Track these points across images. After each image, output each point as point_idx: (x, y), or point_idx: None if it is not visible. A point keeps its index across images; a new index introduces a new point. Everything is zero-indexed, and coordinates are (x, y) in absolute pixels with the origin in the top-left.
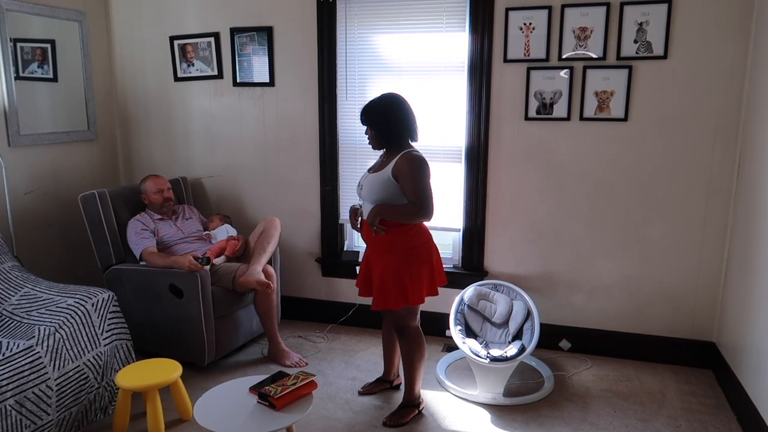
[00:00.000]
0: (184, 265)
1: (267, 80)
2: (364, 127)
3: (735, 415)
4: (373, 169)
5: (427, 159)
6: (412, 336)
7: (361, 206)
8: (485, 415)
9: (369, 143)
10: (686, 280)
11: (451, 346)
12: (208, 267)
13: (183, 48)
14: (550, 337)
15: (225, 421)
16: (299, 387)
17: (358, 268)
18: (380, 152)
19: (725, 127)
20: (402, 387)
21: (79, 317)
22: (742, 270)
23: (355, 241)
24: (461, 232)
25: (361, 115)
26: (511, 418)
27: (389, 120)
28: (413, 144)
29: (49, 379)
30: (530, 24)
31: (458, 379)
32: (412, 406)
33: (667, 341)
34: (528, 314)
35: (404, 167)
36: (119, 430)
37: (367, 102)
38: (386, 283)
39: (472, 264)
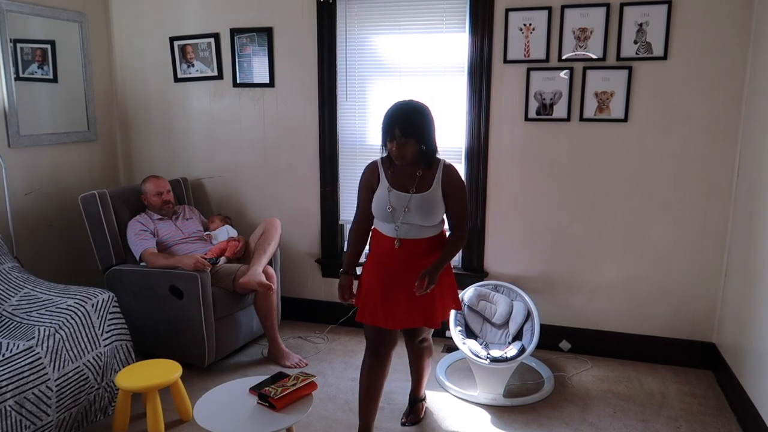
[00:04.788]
0: (189, 265)
1: (267, 81)
2: (390, 139)
3: (735, 416)
4: (416, 187)
5: None
6: (432, 345)
7: (397, 228)
8: (485, 416)
9: (396, 159)
10: (686, 281)
11: (451, 347)
12: (209, 269)
13: (183, 49)
14: (550, 337)
15: (225, 421)
16: (299, 388)
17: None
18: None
19: (725, 128)
20: (412, 389)
21: (79, 318)
22: (742, 271)
23: None
24: None
25: (402, 127)
26: (511, 419)
27: (433, 129)
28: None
29: (49, 379)
30: (530, 25)
31: (458, 380)
32: (423, 400)
33: (668, 342)
34: (528, 315)
35: (454, 183)
36: (119, 431)
37: (395, 110)
38: (444, 297)
39: (472, 265)
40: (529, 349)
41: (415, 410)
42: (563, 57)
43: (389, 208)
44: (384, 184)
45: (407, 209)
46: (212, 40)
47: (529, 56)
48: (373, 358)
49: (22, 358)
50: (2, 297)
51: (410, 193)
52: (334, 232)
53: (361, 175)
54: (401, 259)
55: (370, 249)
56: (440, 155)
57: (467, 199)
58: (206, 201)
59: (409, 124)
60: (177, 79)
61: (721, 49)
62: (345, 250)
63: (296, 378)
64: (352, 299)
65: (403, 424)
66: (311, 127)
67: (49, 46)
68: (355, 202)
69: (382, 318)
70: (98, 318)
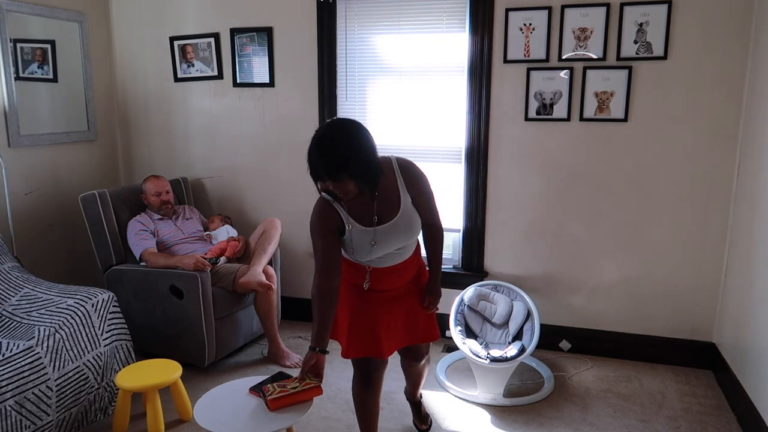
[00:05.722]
0: (189, 265)
1: (267, 81)
2: (321, 182)
3: (735, 415)
4: (380, 215)
5: (427, 160)
6: (430, 353)
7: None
8: (485, 416)
9: (341, 196)
10: (686, 281)
11: (451, 347)
12: (209, 268)
13: (183, 48)
14: (550, 337)
15: (225, 421)
16: (299, 392)
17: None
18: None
19: (725, 128)
20: (409, 392)
21: (79, 318)
22: (742, 270)
23: None
24: (461, 233)
25: (329, 171)
26: (511, 419)
27: (367, 155)
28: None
29: (49, 379)
30: (530, 24)
31: (458, 380)
32: (421, 397)
33: (667, 342)
34: (528, 315)
35: (416, 180)
36: (119, 431)
37: (316, 150)
38: (431, 314)
39: (472, 265)
40: (529, 349)
41: (423, 414)
42: (563, 57)
43: (369, 244)
44: (348, 221)
45: (374, 242)
46: (212, 40)
47: (529, 56)
48: (367, 390)
49: (22, 358)
50: (2, 297)
51: (373, 226)
52: None
53: (312, 223)
54: (405, 277)
55: (346, 278)
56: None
57: (432, 190)
58: (206, 201)
59: (335, 168)
60: (177, 79)
61: (721, 49)
62: (314, 321)
63: (301, 380)
64: (320, 380)
65: (424, 431)
66: (311, 127)
67: (49, 46)
68: None
69: (377, 348)
70: (98, 318)
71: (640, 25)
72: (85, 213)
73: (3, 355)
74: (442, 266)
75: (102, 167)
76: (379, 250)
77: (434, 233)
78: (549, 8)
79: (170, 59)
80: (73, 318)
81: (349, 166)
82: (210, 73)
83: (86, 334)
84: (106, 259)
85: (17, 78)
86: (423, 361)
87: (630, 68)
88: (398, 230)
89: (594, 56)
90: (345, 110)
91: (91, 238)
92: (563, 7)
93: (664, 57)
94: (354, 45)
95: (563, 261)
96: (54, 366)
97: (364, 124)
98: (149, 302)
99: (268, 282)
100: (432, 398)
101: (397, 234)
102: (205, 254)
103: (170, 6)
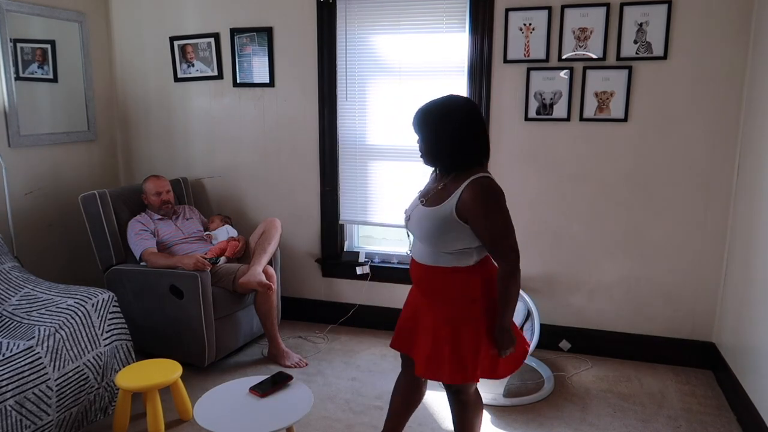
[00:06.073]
0: (189, 265)
1: (267, 81)
2: (415, 136)
3: (735, 415)
4: (427, 198)
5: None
6: (472, 402)
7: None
8: (485, 416)
9: (421, 156)
10: (686, 281)
11: None
12: (209, 268)
13: (183, 48)
14: (550, 337)
15: (225, 421)
16: None
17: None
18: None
19: (725, 128)
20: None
21: (80, 318)
22: (742, 270)
23: (355, 242)
24: None
25: (414, 117)
26: (512, 419)
27: (443, 132)
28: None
29: (49, 379)
30: (530, 24)
31: None
32: None
33: (667, 342)
34: (528, 315)
35: (473, 203)
36: (119, 431)
37: (425, 103)
38: (440, 347)
39: None
40: (530, 349)
41: None
42: (563, 57)
43: (407, 218)
44: (421, 188)
45: (409, 218)
46: (212, 39)
47: (529, 56)
48: (402, 376)
49: (23, 358)
50: (2, 297)
51: (419, 202)
52: (334, 232)
53: None
54: (417, 282)
55: None
56: (489, 176)
57: (501, 221)
58: (206, 201)
59: (417, 114)
60: (177, 79)
61: (721, 49)
62: None
63: None
64: None
65: None
66: (311, 127)
67: (49, 46)
68: (359, 201)
69: (396, 335)
70: (98, 318)
71: (640, 25)
72: (85, 213)
73: (3, 355)
74: (511, 312)
75: (102, 167)
76: (410, 227)
77: (498, 269)
78: (549, 8)
79: (170, 59)
80: (73, 318)
81: (421, 125)
82: (210, 73)
83: (86, 334)
84: (106, 259)
85: (17, 78)
86: (451, 394)
87: (630, 68)
88: (419, 222)
89: (594, 56)
90: (345, 110)
91: (91, 238)
92: (563, 7)
93: (664, 57)
94: (354, 45)
95: (563, 261)
96: (54, 366)
97: (474, 117)
98: (149, 302)
99: (268, 282)
100: (432, 398)
101: (419, 225)
102: (205, 254)
103: (170, 6)
